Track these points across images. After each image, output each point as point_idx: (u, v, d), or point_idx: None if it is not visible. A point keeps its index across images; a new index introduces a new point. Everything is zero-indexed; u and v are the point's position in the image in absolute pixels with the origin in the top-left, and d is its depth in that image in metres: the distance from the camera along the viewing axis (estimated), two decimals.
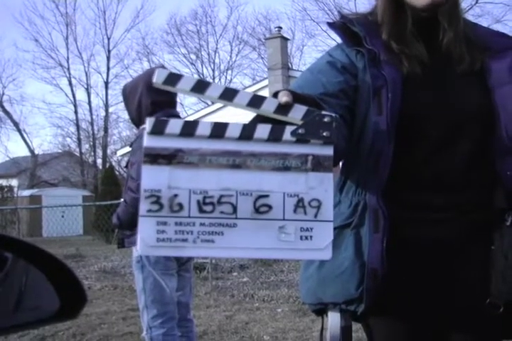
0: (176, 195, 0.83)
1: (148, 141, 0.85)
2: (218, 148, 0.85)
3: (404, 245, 1.22)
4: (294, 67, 20.16)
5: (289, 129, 0.87)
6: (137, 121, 2.82)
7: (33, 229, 16.94)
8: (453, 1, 1.28)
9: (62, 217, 15.26)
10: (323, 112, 0.90)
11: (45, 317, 0.76)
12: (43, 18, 36.19)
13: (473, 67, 1.28)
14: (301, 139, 0.87)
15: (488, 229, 1.25)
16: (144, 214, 0.83)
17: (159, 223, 0.82)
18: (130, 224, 2.66)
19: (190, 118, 13.06)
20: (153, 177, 0.83)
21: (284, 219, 0.85)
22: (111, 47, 29.75)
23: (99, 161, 28.59)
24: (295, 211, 0.86)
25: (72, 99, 29.17)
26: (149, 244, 0.82)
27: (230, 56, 30.20)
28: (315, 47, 29.12)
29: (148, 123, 0.85)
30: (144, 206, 0.83)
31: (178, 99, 3.05)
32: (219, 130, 0.86)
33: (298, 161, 0.87)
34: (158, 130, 0.85)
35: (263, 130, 0.87)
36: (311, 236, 0.86)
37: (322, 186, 0.87)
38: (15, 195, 19.38)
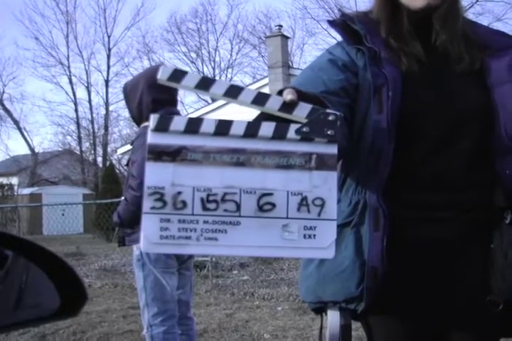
0: (179, 193, 0.83)
1: (152, 138, 0.84)
2: (222, 146, 0.85)
3: (405, 244, 1.22)
4: (294, 66, 20.13)
5: (293, 127, 0.87)
6: (138, 119, 2.83)
7: (34, 227, 16.94)
8: (450, 2, 1.27)
9: (63, 215, 15.27)
10: (328, 111, 0.90)
11: (45, 315, 0.76)
12: (44, 17, 36.40)
13: (473, 66, 1.27)
14: (305, 137, 0.87)
15: (488, 229, 1.25)
16: (147, 211, 0.82)
17: (163, 220, 0.82)
18: (131, 222, 2.66)
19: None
20: (156, 175, 0.83)
21: (287, 218, 0.85)
22: (111, 46, 29.80)
23: (99, 159, 28.62)
24: (299, 209, 0.86)
25: (72, 97, 29.23)
26: (152, 241, 0.82)
27: (231, 54, 30.22)
28: (315, 46, 29.07)
29: (153, 120, 0.85)
30: (147, 203, 0.82)
31: (178, 97, 3.05)
32: (223, 127, 0.86)
33: (302, 159, 0.87)
34: (162, 127, 0.84)
35: (267, 128, 0.86)
36: (314, 235, 0.86)
37: (326, 185, 0.87)
38: (15, 193, 19.37)
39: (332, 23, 1.35)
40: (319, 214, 0.86)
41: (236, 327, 4.44)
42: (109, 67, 29.58)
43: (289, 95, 0.90)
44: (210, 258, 6.60)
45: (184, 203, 0.83)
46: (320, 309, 1.33)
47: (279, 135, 0.87)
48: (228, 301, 5.47)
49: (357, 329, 1.49)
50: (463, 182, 1.25)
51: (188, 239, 0.83)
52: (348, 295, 1.23)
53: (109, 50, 29.63)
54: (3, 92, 28.76)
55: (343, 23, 1.32)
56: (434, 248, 1.24)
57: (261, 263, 7.44)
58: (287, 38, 15.91)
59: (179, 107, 3.27)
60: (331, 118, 0.89)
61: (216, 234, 0.83)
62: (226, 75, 29.93)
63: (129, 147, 3.34)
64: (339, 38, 1.34)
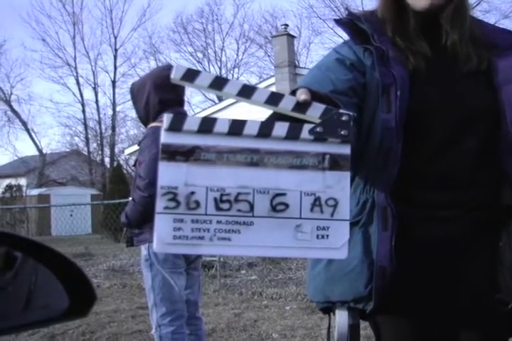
0: (192, 193, 0.83)
1: (165, 138, 0.84)
2: (236, 146, 0.85)
3: (411, 243, 1.22)
4: (300, 65, 20.10)
5: (306, 127, 0.87)
6: (145, 119, 2.83)
7: (42, 228, 17.03)
8: (457, 2, 1.27)
9: (71, 215, 15.34)
10: (341, 111, 0.90)
11: (54, 316, 0.76)
12: (50, 18, 36.41)
13: (481, 66, 1.27)
14: (318, 137, 0.87)
15: (494, 227, 1.25)
16: (160, 212, 0.82)
17: (176, 220, 0.82)
18: (138, 222, 2.66)
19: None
20: (170, 174, 0.83)
21: (300, 218, 0.85)
22: (118, 46, 29.84)
23: (107, 160, 28.70)
24: (312, 210, 0.86)
25: (79, 98, 29.29)
26: (165, 241, 0.82)
27: (237, 54, 30.21)
28: (322, 45, 29.07)
29: (166, 119, 0.85)
30: (160, 203, 0.82)
31: (185, 98, 3.05)
32: (237, 127, 0.86)
33: (315, 160, 0.87)
34: (175, 126, 0.84)
35: (281, 128, 0.86)
36: (327, 235, 0.86)
37: (339, 185, 0.87)
38: (24, 194, 19.47)
39: (339, 22, 1.34)
40: (332, 215, 0.86)
41: (244, 327, 4.44)
42: (115, 67, 29.68)
43: (302, 95, 0.89)
44: (218, 257, 6.60)
45: (197, 203, 0.83)
46: (328, 309, 1.33)
47: (293, 135, 0.87)
48: (236, 301, 5.47)
49: (365, 328, 1.48)
50: (468, 181, 1.25)
51: (201, 239, 0.83)
52: (357, 295, 1.23)
53: (116, 50, 29.73)
54: (11, 94, 28.89)
55: (350, 22, 1.31)
56: (438, 247, 1.24)
57: (269, 263, 7.43)
58: (293, 37, 15.89)
59: (186, 107, 3.28)
60: (344, 118, 0.89)
61: (229, 234, 0.83)
62: (232, 75, 29.94)
63: (136, 147, 3.34)
64: (345, 36, 1.33)
